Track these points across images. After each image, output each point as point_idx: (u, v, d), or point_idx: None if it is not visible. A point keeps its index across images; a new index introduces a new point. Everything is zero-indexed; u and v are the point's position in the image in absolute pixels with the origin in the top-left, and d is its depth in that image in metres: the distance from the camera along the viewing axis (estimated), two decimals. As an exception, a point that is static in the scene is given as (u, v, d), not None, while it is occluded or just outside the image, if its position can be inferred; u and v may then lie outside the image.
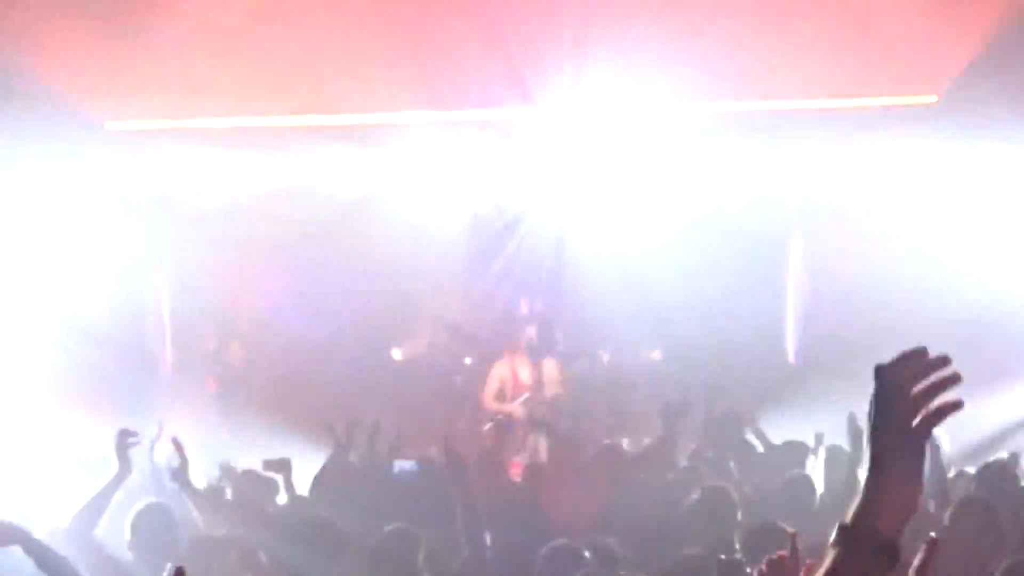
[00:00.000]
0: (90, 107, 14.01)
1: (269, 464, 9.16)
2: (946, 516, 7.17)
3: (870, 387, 2.71)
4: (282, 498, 9.24)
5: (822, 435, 10.51)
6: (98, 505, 6.97)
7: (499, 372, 14.16)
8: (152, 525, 6.86)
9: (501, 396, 14.05)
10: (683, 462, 10.21)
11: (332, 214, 15.42)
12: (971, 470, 9.05)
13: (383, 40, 13.59)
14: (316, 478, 9.22)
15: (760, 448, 10.70)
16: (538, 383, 14.03)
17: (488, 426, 13.91)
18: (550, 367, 14.19)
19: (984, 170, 14.99)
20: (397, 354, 15.67)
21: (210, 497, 8.39)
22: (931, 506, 7.78)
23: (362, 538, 7.41)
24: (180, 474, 8.13)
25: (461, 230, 15.68)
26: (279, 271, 15.55)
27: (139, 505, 7.09)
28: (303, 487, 9.31)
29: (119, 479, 7.13)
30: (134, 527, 6.89)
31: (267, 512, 8.72)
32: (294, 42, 13.57)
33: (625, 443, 13.05)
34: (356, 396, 14.52)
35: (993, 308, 14.48)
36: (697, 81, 14.02)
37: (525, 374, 14.07)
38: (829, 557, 2.65)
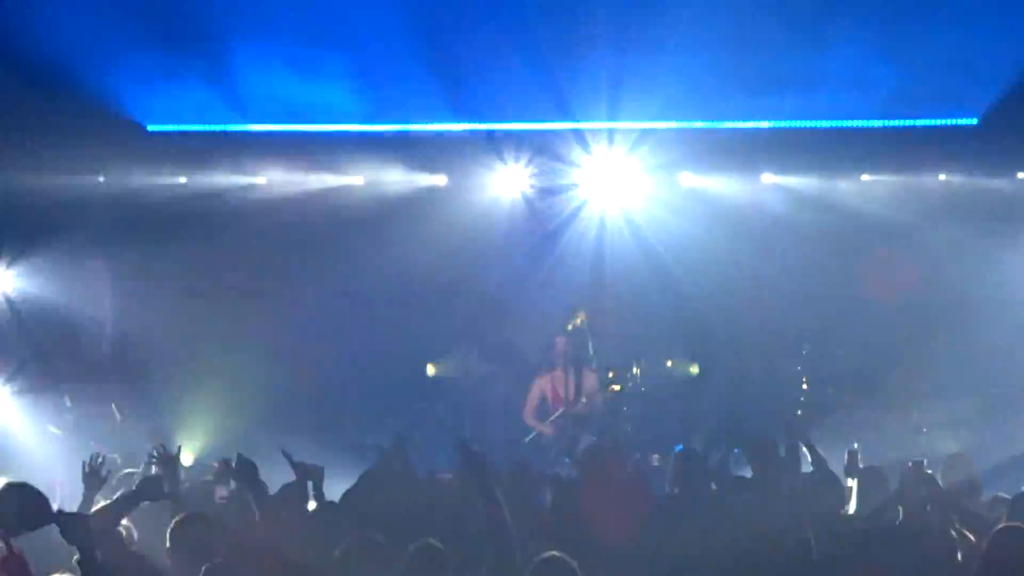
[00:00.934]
0: (133, 110, 14.26)
1: (302, 467, 9.09)
2: (983, 544, 7.14)
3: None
4: (311, 505, 9.24)
5: (856, 452, 10.49)
6: (120, 509, 7.15)
7: (540, 386, 14.19)
8: (191, 534, 6.92)
9: (541, 409, 14.08)
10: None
11: (368, 225, 15.48)
12: (1006, 495, 9.01)
13: (426, 55, 13.77)
14: (352, 488, 9.21)
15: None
16: (577, 397, 14.01)
17: (527, 440, 13.97)
18: (590, 380, 14.17)
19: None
20: (431, 369, 15.67)
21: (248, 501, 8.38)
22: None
23: (394, 547, 7.42)
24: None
25: (498, 243, 15.68)
26: (313, 280, 15.62)
27: (178, 516, 7.14)
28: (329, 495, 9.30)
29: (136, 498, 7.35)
30: (173, 536, 6.95)
31: (300, 518, 8.72)
32: (340, 52, 13.76)
33: (655, 459, 13.02)
34: (390, 408, 14.58)
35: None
36: (739, 100, 14.13)
37: (564, 388, 14.06)
38: None
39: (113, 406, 13.83)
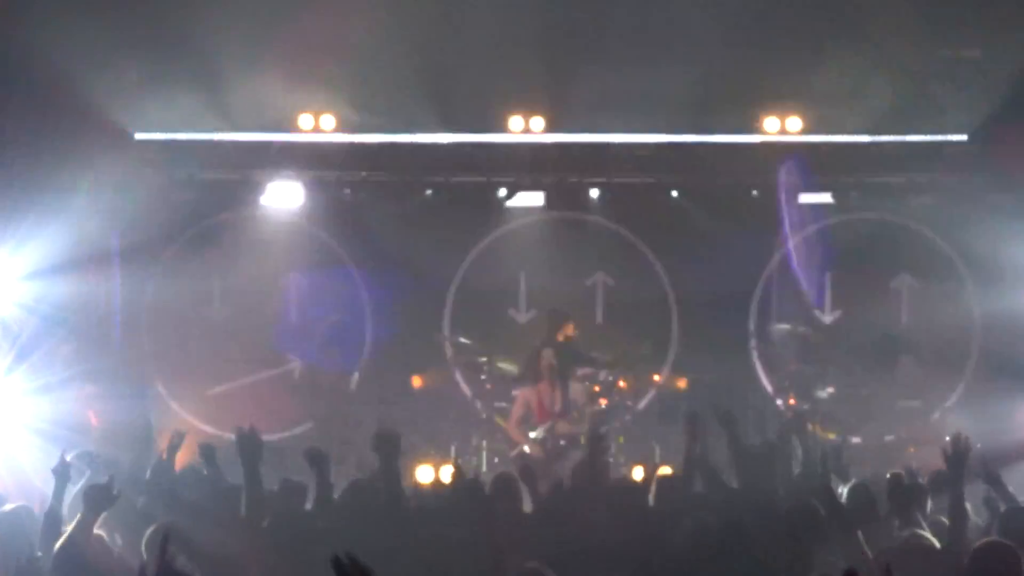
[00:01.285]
0: (120, 118, 14.28)
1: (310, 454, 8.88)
2: (965, 560, 7.09)
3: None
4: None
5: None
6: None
7: (525, 397, 14.05)
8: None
9: (526, 422, 13.97)
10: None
11: (356, 235, 15.50)
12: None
13: (403, 68, 13.87)
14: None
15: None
16: (564, 410, 13.91)
17: (513, 454, 13.89)
18: (577, 392, 14.08)
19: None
20: (416, 381, 15.56)
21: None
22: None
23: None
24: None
25: (485, 253, 15.68)
26: (300, 288, 15.66)
27: (154, 525, 7.08)
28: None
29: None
30: (148, 546, 6.88)
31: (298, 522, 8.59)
32: (317, 61, 13.86)
33: (639, 472, 12.96)
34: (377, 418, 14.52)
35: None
36: (729, 115, 14.22)
37: (550, 400, 13.95)
38: None
39: (90, 413, 13.76)
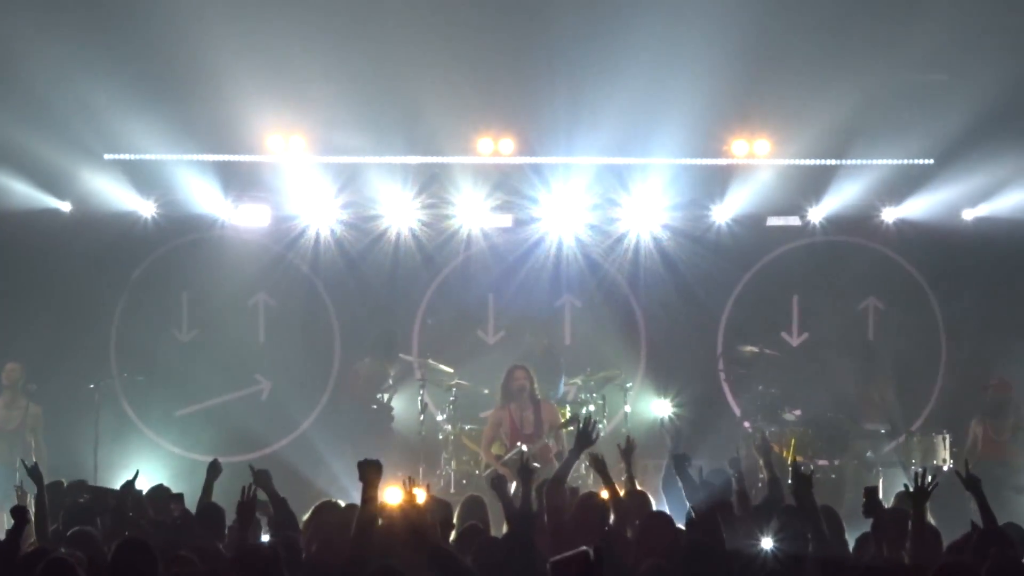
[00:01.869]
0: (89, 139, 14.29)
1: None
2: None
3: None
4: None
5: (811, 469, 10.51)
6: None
7: (496, 419, 13.93)
8: (133, 559, 6.82)
9: (499, 444, 13.86)
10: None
11: (316, 254, 15.51)
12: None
13: (379, 90, 13.93)
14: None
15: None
16: (537, 431, 13.83)
17: (486, 474, 13.83)
18: (550, 413, 14.00)
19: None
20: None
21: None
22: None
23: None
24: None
25: (456, 277, 15.70)
26: (262, 310, 15.70)
27: (119, 540, 7.05)
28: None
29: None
30: (115, 561, 6.85)
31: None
32: (292, 85, 13.92)
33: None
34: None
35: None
36: (692, 137, 14.32)
37: (522, 420, 13.84)
38: None
39: (28, 433, 13.75)
